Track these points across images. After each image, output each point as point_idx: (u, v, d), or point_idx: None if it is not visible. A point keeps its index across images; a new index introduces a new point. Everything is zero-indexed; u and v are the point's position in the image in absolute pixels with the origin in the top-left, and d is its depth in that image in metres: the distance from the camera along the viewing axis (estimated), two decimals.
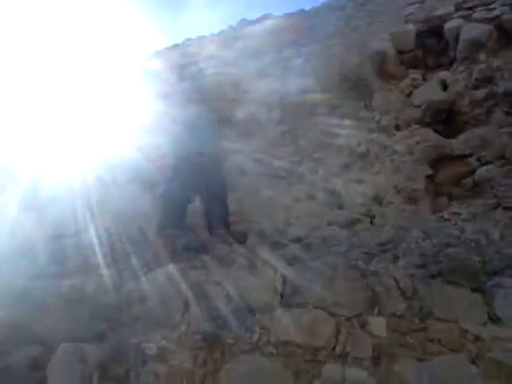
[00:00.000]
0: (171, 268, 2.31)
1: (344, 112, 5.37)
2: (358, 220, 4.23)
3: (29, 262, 3.37)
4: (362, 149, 4.86)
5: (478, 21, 5.07)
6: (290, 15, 7.08)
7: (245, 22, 7.56)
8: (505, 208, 3.76)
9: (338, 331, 1.90)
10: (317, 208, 4.51)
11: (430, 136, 4.62)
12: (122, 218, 4.69)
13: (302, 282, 2.09)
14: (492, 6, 5.15)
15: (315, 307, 1.99)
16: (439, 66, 5.46)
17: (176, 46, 7.94)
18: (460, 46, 5.05)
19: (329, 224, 4.24)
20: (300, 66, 5.81)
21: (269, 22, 7.16)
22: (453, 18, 5.29)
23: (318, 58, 5.75)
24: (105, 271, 2.59)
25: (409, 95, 5.15)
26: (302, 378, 1.78)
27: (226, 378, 1.78)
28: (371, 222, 4.22)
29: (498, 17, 4.98)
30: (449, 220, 3.16)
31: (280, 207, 4.62)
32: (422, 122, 4.89)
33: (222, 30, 7.75)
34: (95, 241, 3.84)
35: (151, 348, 1.73)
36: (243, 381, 1.77)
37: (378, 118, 5.10)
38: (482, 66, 4.77)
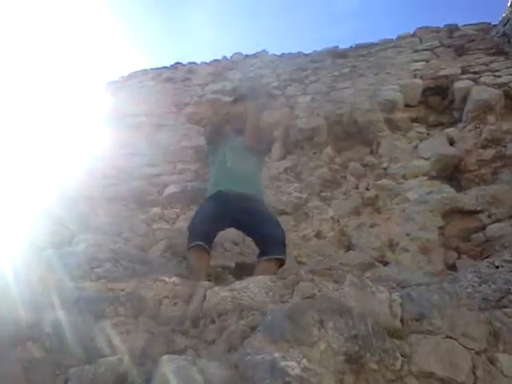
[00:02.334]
0: (266, 279, 2.06)
1: (350, 155, 5.36)
2: (372, 264, 4.10)
3: None
4: (371, 194, 4.81)
5: (486, 84, 5.32)
6: (290, 55, 7.12)
7: (240, 55, 7.51)
8: None
9: (473, 366, 1.72)
10: (328, 248, 4.35)
11: (442, 188, 4.67)
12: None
13: (424, 308, 1.89)
14: (498, 74, 5.44)
15: (447, 337, 1.80)
16: (440, 125, 5.65)
17: (164, 68, 7.74)
18: (469, 106, 5.24)
19: (341, 265, 4.09)
20: (306, 104, 5.77)
21: (268, 58, 7.17)
22: (461, 79, 5.52)
23: (326, 98, 5.75)
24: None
25: (416, 147, 5.24)
26: None
27: None
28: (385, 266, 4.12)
29: (505, 84, 5.25)
30: (502, 267, 3.10)
31: (289, 243, 4.43)
32: (428, 175, 4.96)
33: (215, 60, 7.63)
34: None
35: (293, 368, 1.45)
36: None
37: (385, 164, 5.12)
38: (491, 127, 4.96)
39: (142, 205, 4.86)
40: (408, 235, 4.34)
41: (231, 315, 1.94)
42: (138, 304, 2.14)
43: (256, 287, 2.04)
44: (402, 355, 1.73)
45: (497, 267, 3.43)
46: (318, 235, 4.52)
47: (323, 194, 4.93)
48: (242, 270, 4.00)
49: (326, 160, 5.26)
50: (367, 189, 4.91)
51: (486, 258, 4.13)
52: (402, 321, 1.92)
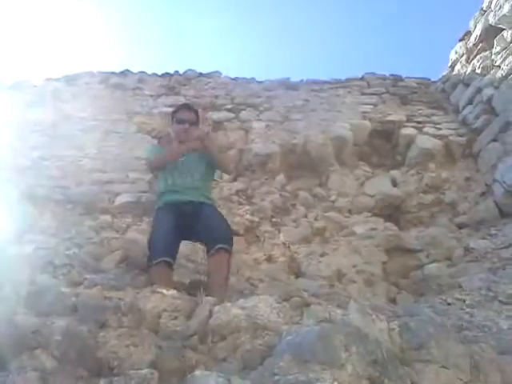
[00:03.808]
0: (270, 299, 2.08)
1: (300, 185, 5.53)
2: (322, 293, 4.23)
3: None
4: (319, 224, 4.99)
5: (428, 134, 5.78)
6: (243, 79, 7.24)
7: (193, 72, 7.50)
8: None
9: None
10: (279, 273, 4.44)
11: (386, 226, 4.96)
12: None
13: (422, 338, 2.02)
14: (439, 126, 5.93)
15: (442, 366, 1.94)
16: (383, 166, 6.01)
17: (113, 73, 7.53)
18: (413, 153, 5.66)
19: (296, 290, 4.18)
20: (261, 130, 5.90)
21: (221, 79, 7.24)
22: (406, 127, 5.94)
23: (280, 127, 5.92)
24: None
25: (362, 184, 5.54)
26: None
27: None
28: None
29: (445, 136, 5.73)
30: (454, 304, 3.36)
31: (241, 264, 4.46)
32: (372, 211, 5.25)
33: (167, 73, 7.56)
34: None
35: None
36: None
37: (333, 198, 5.35)
38: (432, 174, 5.38)
39: (90, 211, 4.67)
40: (354, 267, 4.53)
41: (244, 333, 1.95)
42: (138, 316, 2.08)
43: (266, 307, 2.07)
44: (412, 383, 1.83)
45: (449, 304, 3.71)
46: (269, 259, 4.60)
47: (274, 219, 5.04)
48: (196, 288, 3.97)
49: (277, 186, 5.40)
50: (316, 219, 5.09)
51: (422, 295, 4.46)
52: (401, 350, 2.03)
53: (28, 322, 1.84)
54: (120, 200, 4.82)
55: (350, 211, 5.26)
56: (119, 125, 6.09)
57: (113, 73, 7.52)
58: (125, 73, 7.50)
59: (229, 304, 2.10)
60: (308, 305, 2.15)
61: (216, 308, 2.10)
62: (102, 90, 6.96)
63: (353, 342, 1.80)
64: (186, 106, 4.05)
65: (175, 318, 2.15)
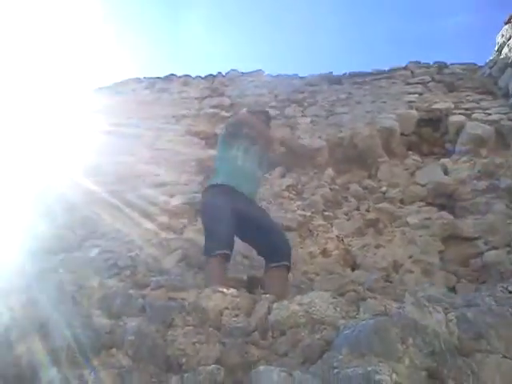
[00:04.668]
0: (326, 295, 2.15)
1: (350, 178, 5.54)
2: (381, 284, 4.24)
3: None
4: (372, 216, 4.98)
5: (478, 120, 5.65)
6: (286, 76, 7.29)
7: (236, 72, 7.62)
8: None
9: None
10: (334, 266, 4.48)
11: (440, 214, 4.89)
12: None
13: (481, 328, 2.02)
14: (488, 112, 5.78)
15: (504, 357, 1.94)
16: (433, 154, 5.92)
17: (158, 78, 7.76)
18: (463, 140, 5.55)
19: (352, 283, 4.22)
20: (307, 125, 5.93)
21: (264, 77, 7.31)
22: (455, 114, 5.83)
23: (326, 121, 5.94)
24: None
25: (412, 174, 5.48)
26: None
27: None
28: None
29: (496, 121, 5.59)
30: None
31: (297, 259, 4.53)
32: (425, 201, 5.18)
33: (210, 75, 7.72)
34: None
35: (387, 382, 1.56)
36: None
37: (384, 189, 5.32)
38: (484, 160, 5.26)
39: (147, 213, 4.86)
40: (411, 257, 4.51)
41: (303, 328, 2.02)
42: (202, 314, 2.19)
43: (323, 302, 2.13)
44: (472, 373, 1.85)
45: (510, 292, 3.65)
46: (324, 253, 4.65)
47: (326, 213, 5.07)
48: (253, 284, 4.08)
49: (327, 180, 5.42)
50: (368, 211, 5.08)
51: (483, 282, 4.39)
52: (460, 340, 2.05)
53: (102, 323, 1.99)
54: (175, 202, 4.99)
55: (402, 201, 5.22)
56: (168, 128, 6.28)
57: (158, 78, 7.74)
58: (170, 77, 7.71)
59: (286, 301, 2.18)
60: (363, 299, 2.20)
61: (275, 305, 2.18)
62: (148, 96, 7.19)
63: (409, 334, 1.84)
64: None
65: (236, 315, 2.25)
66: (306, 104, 6.48)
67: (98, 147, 5.98)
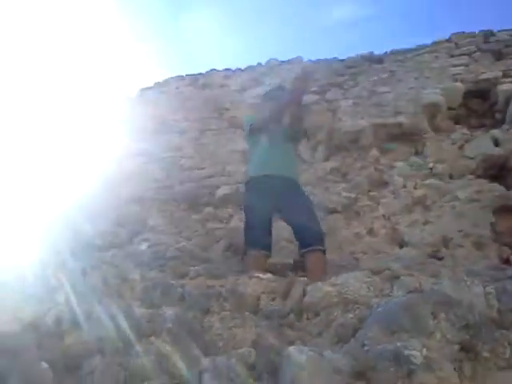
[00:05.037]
0: (361, 274, 2.17)
1: (395, 157, 5.44)
2: (427, 260, 4.17)
3: None
4: (420, 193, 4.88)
5: None
6: (325, 61, 7.22)
7: (275, 61, 7.62)
8: None
9: None
10: (381, 245, 4.45)
11: (490, 186, 4.73)
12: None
13: None
14: None
15: None
16: (482, 126, 5.71)
17: (200, 74, 7.89)
18: None
19: (398, 260, 4.17)
20: (349, 108, 5.87)
21: (303, 64, 7.27)
22: (503, 83, 5.59)
23: (368, 102, 5.85)
24: None
25: (461, 147, 5.31)
26: None
27: None
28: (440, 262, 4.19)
29: None
30: None
31: (342, 240, 4.53)
32: (475, 174, 5.02)
33: (250, 66, 7.76)
34: None
35: (416, 356, 1.55)
36: None
37: (431, 165, 5.19)
38: None
39: (194, 205, 5.00)
40: (461, 231, 4.40)
41: (336, 309, 2.05)
42: (239, 300, 2.25)
43: (356, 282, 2.15)
44: (509, 344, 1.82)
45: None
46: (370, 233, 4.62)
47: (372, 193, 5.02)
48: (298, 267, 4.12)
49: (371, 161, 5.36)
50: (415, 188, 4.98)
51: None
52: (499, 312, 2.00)
53: (143, 312, 2.09)
54: (220, 192, 5.10)
55: (450, 176, 5.08)
56: (211, 123, 6.40)
57: (200, 74, 7.86)
58: (211, 72, 7.82)
59: (320, 283, 2.21)
60: (398, 277, 2.20)
61: (309, 287, 2.22)
62: (191, 92, 7.33)
63: (441, 309, 1.82)
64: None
65: (273, 299, 2.31)
66: (346, 86, 6.41)
67: (145, 145, 6.19)
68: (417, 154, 5.44)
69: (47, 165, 5.36)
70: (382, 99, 5.85)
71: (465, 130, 5.56)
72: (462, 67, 6.13)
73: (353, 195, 4.98)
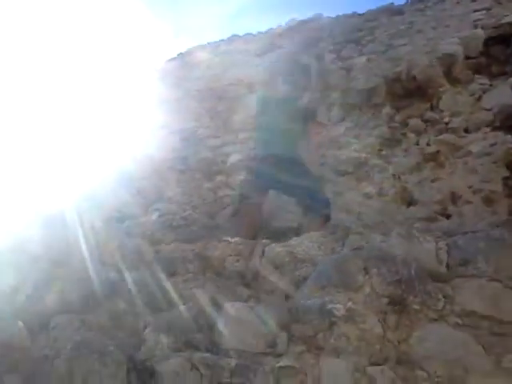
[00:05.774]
0: (317, 234, 2.25)
1: (410, 112, 5.31)
2: (434, 218, 4.14)
3: None
4: (432, 149, 4.79)
5: None
6: (345, 16, 7.05)
7: (294, 21, 7.51)
8: None
9: None
10: (389, 205, 4.44)
11: (506, 138, 4.56)
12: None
13: (469, 254, 1.98)
14: None
15: (491, 279, 1.90)
16: (503, 74, 5.44)
17: (222, 41, 7.91)
18: None
19: (406, 220, 4.16)
20: (362, 65, 5.75)
21: (323, 21, 7.14)
22: None
23: (383, 57, 5.71)
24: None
25: (478, 99, 5.11)
26: (491, 352, 1.69)
27: (419, 346, 1.69)
28: (448, 220, 4.14)
29: None
30: None
31: (351, 202, 4.56)
32: (492, 126, 4.84)
33: (271, 28, 7.70)
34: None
35: (339, 309, 1.63)
36: (437, 351, 1.68)
37: (446, 119, 5.04)
38: None
39: (207, 174, 5.13)
40: (470, 187, 4.32)
41: (287, 267, 2.15)
42: (204, 262, 2.39)
43: (310, 242, 2.23)
44: (444, 297, 1.86)
45: None
46: (380, 193, 4.60)
47: (383, 152, 4.97)
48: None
49: (385, 119, 5.26)
50: (428, 144, 4.88)
51: None
52: (447, 266, 2.04)
53: (113, 276, 2.29)
54: (232, 160, 5.20)
55: (466, 130, 4.92)
56: (230, 89, 6.44)
57: (221, 40, 7.88)
58: (232, 38, 7.81)
59: (274, 244, 2.31)
60: (351, 234, 2.26)
61: (266, 249, 2.33)
62: (212, 60, 7.37)
63: (374, 265, 1.89)
64: None
65: (237, 260, 2.45)
66: (364, 42, 6.24)
67: (167, 117, 6.35)
68: (432, 108, 5.29)
69: (71, 139, 5.65)
70: (398, 53, 5.67)
71: (484, 80, 5.31)
72: (483, 11, 5.81)
73: (363, 155, 4.95)
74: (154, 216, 4.30)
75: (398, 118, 5.30)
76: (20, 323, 2.03)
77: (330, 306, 1.68)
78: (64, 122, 6.18)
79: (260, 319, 1.73)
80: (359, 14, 7.00)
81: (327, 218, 3.62)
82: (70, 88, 7.04)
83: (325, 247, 2.22)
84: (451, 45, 5.47)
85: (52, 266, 2.60)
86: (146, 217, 4.43)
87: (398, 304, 1.75)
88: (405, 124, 5.22)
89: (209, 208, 4.39)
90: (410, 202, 4.47)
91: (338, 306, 1.68)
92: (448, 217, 4.21)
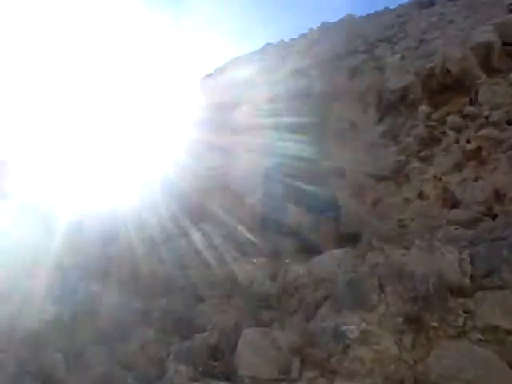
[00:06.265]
0: (340, 252, 2.24)
1: (448, 109, 5.15)
2: (479, 219, 3.97)
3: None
4: (473, 146, 4.61)
5: None
6: (375, 14, 6.94)
7: (325, 25, 7.46)
8: None
9: None
10: (431, 208, 4.31)
11: None
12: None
13: (497, 263, 1.91)
14: None
15: None
16: None
17: (256, 52, 7.96)
18: None
19: (448, 223, 4.02)
20: (396, 63, 5.64)
21: (354, 21, 7.05)
22: None
23: (416, 53, 5.58)
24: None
25: None
26: None
27: (437, 366, 1.65)
28: (494, 221, 3.97)
29: None
30: None
31: (390, 208, 4.47)
32: None
33: (303, 34, 7.69)
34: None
35: (352, 331, 1.61)
36: (457, 370, 1.63)
37: (486, 113, 4.84)
38: None
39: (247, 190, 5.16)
40: None
41: (307, 288, 2.15)
42: (230, 285, 2.43)
43: (330, 260, 2.22)
44: (465, 312, 1.81)
45: None
46: (421, 196, 4.49)
47: (422, 153, 4.83)
48: None
49: (421, 118, 5.12)
50: (468, 141, 4.71)
51: None
52: (472, 278, 1.97)
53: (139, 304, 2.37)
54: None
55: (508, 122, 4.71)
56: (265, 104, 6.47)
57: (254, 52, 7.93)
58: (265, 48, 7.85)
59: (295, 265, 2.31)
60: (372, 250, 2.23)
61: (287, 270, 2.33)
62: (247, 72, 7.42)
63: (389, 282, 1.86)
64: None
65: (263, 282, 2.46)
66: (395, 39, 6.11)
67: (206, 135, 6.46)
68: (471, 102, 5.10)
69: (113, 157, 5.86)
70: (431, 47, 5.51)
71: None
72: None
73: (403, 158, 4.84)
74: (195, 237, 4.38)
75: (435, 115, 5.15)
76: None
77: (343, 327, 1.67)
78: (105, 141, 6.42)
79: (274, 345, 1.74)
80: (390, 10, 6.87)
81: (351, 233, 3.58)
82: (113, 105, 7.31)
83: (345, 264, 2.19)
84: (485, 33, 5.25)
85: None
86: (187, 238, 4.52)
87: (414, 322, 1.72)
88: (443, 121, 5.06)
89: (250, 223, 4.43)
90: (453, 204, 4.32)
91: (351, 327, 1.66)
92: (494, 217, 4.03)
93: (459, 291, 1.88)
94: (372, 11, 7.15)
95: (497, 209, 4.06)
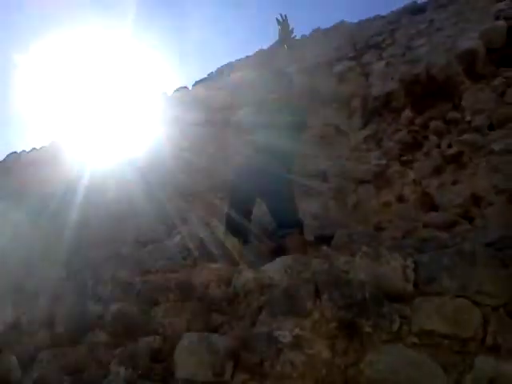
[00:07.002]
0: (290, 258, 2.26)
1: (432, 114, 5.17)
2: (455, 222, 4.00)
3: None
4: (453, 151, 4.64)
5: None
6: (367, 21, 6.98)
7: (318, 31, 7.51)
8: None
9: (485, 321, 1.74)
10: (409, 211, 4.34)
11: None
12: None
13: (438, 270, 1.93)
14: None
15: (457, 296, 1.84)
16: None
17: (248, 57, 8.03)
18: None
19: (425, 226, 4.06)
20: (381, 70, 5.67)
21: (346, 28, 7.10)
22: None
23: (401, 60, 5.60)
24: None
25: (502, 94, 4.90)
26: (451, 372, 1.65)
27: (370, 369, 1.67)
28: (471, 224, 3.99)
29: None
30: None
31: (369, 211, 4.49)
32: None
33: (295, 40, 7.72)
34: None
35: (285, 336, 1.64)
36: (389, 373, 1.65)
37: (468, 118, 4.87)
38: None
39: None
40: (495, 187, 4.14)
41: (254, 293, 2.18)
42: (186, 290, 2.47)
43: (280, 266, 2.24)
44: (402, 317, 1.83)
45: None
46: (400, 199, 4.52)
47: (403, 158, 4.86)
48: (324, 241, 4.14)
49: (405, 123, 5.16)
50: (449, 146, 4.74)
51: None
52: (415, 285, 1.99)
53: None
54: None
55: (490, 127, 4.74)
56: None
57: (247, 56, 8.00)
58: (258, 53, 7.90)
59: (245, 271, 2.34)
60: (315, 257, 2.26)
61: (237, 275, 2.36)
62: (241, 78, 7.48)
63: (326, 289, 1.89)
64: None
65: (219, 286, 2.48)
66: (384, 46, 6.15)
67: (191, 141, 6.50)
68: (454, 108, 5.12)
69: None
70: (416, 54, 5.55)
71: (509, 73, 5.09)
72: (507, 1, 5.57)
73: (384, 162, 4.87)
74: (176, 239, 4.43)
75: (418, 121, 5.17)
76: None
77: (276, 333, 1.70)
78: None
79: (210, 348, 1.77)
80: (382, 17, 6.90)
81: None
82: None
83: (292, 271, 2.22)
84: (470, 40, 5.28)
85: None
86: (169, 240, 4.57)
87: (348, 328, 1.74)
88: (426, 126, 5.09)
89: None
90: (432, 207, 4.35)
91: (284, 332, 1.69)
92: (471, 220, 4.06)
93: (397, 297, 1.90)
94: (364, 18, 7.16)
95: (474, 212, 4.08)
